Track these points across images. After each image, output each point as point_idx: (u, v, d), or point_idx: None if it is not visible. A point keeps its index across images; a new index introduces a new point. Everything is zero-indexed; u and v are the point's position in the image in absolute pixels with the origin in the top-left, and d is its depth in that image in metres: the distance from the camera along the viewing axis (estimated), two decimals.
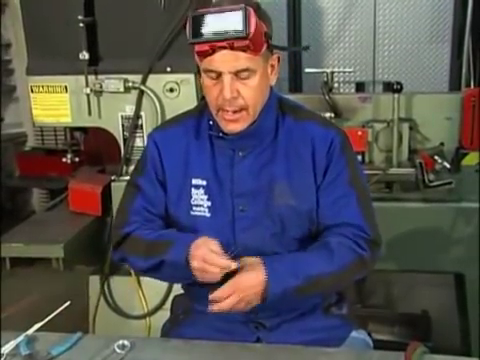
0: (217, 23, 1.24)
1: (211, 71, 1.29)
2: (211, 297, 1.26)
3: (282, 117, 1.43)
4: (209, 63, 1.28)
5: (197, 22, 1.25)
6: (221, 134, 1.39)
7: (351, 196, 1.38)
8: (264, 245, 1.37)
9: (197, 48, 1.27)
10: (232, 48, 1.24)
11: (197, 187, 1.40)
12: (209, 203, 1.39)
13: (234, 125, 1.34)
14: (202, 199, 1.40)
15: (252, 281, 1.26)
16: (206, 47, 1.25)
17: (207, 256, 1.24)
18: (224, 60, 1.26)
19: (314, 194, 1.38)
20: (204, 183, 1.40)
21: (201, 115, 1.46)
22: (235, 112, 1.32)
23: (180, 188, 1.42)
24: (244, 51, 1.26)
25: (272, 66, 1.37)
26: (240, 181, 1.39)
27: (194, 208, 1.40)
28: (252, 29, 1.23)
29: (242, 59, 1.26)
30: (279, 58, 1.39)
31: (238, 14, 1.23)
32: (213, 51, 1.26)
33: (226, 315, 1.41)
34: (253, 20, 1.24)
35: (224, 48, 1.25)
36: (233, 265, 1.24)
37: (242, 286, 1.25)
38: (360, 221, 1.37)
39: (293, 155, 1.39)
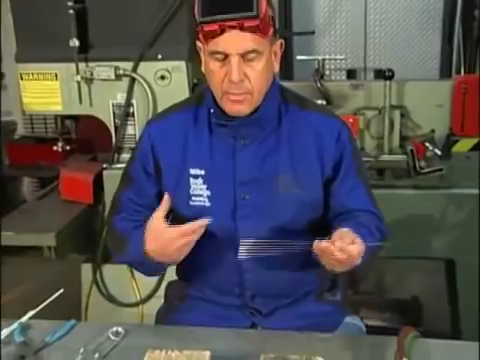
0: (227, 2, 1.22)
1: (218, 53, 1.27)
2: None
3: (285, 105, 1.42)
4: (216, 44, 1.26)
5: (207, 1, 1.24)
6: (223, 121, 1.37)
7: (360, 185, 1.43)
8: (266, 234, 1.37)
9: (206, 28, 1.25)
10: (242, 28, 1.23)
11: (195, 177, 1.39)
12: (208, 192, 1.38)
13: (239, 106, 1.32)
14: (201, 189, 1.38)
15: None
16: (215, 27, 1.23)
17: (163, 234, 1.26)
18: (232, 40, 1.24)
19: (319, 183, 1.39)
20: (202, 173, 1.38)
21: (199, 104, 1.44)
22: (240, 94, 1.30)
23: (178, 178, 1.41)
24: (253, 32, 1.24)
25: (275, 53, 1.35)
26: (242, 169, 1.38)
27: (193, 198, 1.39)
28: (263, 9, 1.22)
29: (250, 40, 1.25)
30: (282, 44, 1.37)
31: None
32: (222, 31, 1.24)
33: (221, 301, 1.43)
34: (263, 1, 1.23)
35: (233, 28, 1.23)
36: (201, 222, 1.23)
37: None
38: (371, 207, 1.43)
39: (297, 144, 1.39)
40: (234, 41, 1.24)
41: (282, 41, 1.37)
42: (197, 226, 1.24)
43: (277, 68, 1.38)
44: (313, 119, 1.42)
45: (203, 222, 1.24)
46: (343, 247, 1.17)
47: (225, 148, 1.39)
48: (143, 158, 1.45)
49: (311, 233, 1.41)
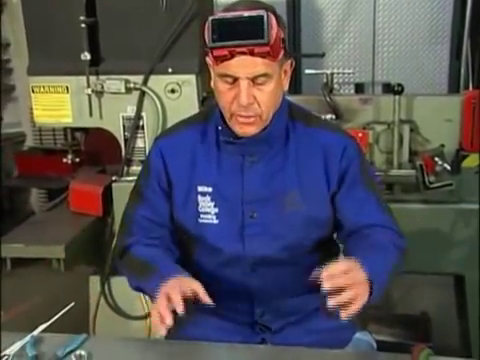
0: (238, 28, 1.20)
1: (227, 76, 1.26)
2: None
3: (292, 123, 1.41)
4: (226, 68, 1.25)
5: (217, 26, 1.22)
6: (231, 139, 1.36)
7: (371, 199, 1.40)
8: (274, 253, 1.37)
9: (215, 53, 1.24)
10: (252, 54, 1.21)
11: (203, 194, 1.38)
12: (216, 210, 1.37)
13: (248, 128, 1.31)
14: (209, 206, 1.38)
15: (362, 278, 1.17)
16: (225, 52, 1.22)
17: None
18: (242, 65, 1.23)
19: (326, 202, 1.38)
20: (210, 190, 1.38)
21: (207, 120, 1.43)
22: (249, 116, 1.30)
23: (186, 195, 1.40)
24: (263, 57, 1.23)
25: (285, 71, 1.34)
26: (251, 187, 1.37)
27: (201, 216, 1.39)
28: (273, 35, 1.20)
29: (260, 65, 1.24)
30: (292, 63, 1.36)
31: (260, 20, 1.19)
32: (232, 56, 1.23)
33: (230, 316, 1.42)
34: (274, 26, 1.21)
35: (243, 53, 1.22)
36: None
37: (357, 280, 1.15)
38: (385, 220, 1.39)
39: (303, 162, 1.38)
40: (244, 66, 1.23)
41: (292, 60, 1.36)
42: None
43: (286, 86, 1.37)
44: (320, 136, 1.40)
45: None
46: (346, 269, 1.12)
47: (233, 166, 1.38)
48: (157, 175, 1.43)
49: (320, 250, 1.41)
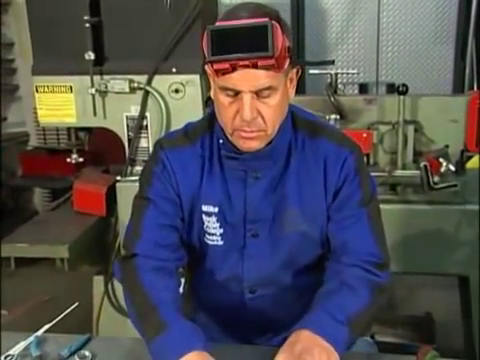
0: (240, 39, 1.10)
1: (229, 89, 1.17)
2: None
3: (295, 135, 1.32)
4: (227, 81, 1.15)
5: (217, 37, 1.11)
6: (233, 154, 1.28)
7: (361, 218, 1.29)
8: (272, 272, 1.34)
9: (216, 66, 1.14)
10: (255, 66, 1.12)
11: (209, 214, 1.31)
12: (221, 231, 1.31)
13: (252, 142, 1.22)
14: (214, 227, 1.31)
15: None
16: (226, 65, 1.12)
17: None
18: (245, 79, 1.14)
19: (325, 219, 1.31)
20: (216, 210, 1.31)
21: (211, 130, 1.33)
22: (253, 131, 1.21)
23: (191, 213, 1.33)
24: (267, 69, 1.13)
25: (291, 79, 1.24)
26: (253, 205, 1.30)
27: (207, 236, 1.33)
28: (278, 47, 1.11)
29: (264, 77, 1.14)
30: (298, 71, 1.26)
31: (264, 30, 1.10)
32: (233, 69, 1.13)
33: (226, 332, 1.41)
34: (279, 36, 1.11)
35: (246, 66, 1.12)
36: None
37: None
38: (370, 245, 1.29)
39: (305, 178, 1.30)
40: (247, 79, 1.14)
41: (298, 67, 1.27)
42: None
43: (293, 94, 1.27)
44: (322, 148, 1.31)
45: None
46: None
47: (236, 182, 1.31)
48: (169, 181, 1.32)
49: (320, 270, 1.36)
